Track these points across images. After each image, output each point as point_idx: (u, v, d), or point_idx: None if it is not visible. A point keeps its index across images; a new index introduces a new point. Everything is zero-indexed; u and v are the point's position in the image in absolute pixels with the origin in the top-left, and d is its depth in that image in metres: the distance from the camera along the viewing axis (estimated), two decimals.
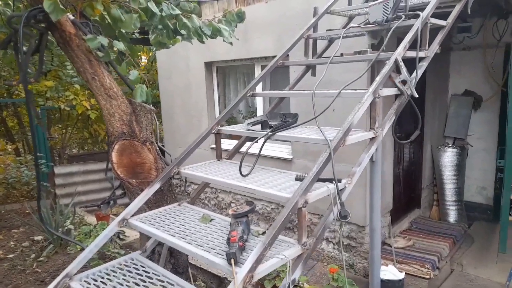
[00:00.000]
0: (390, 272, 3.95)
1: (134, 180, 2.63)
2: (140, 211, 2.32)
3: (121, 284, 1.92)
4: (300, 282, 3.67)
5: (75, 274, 1.99)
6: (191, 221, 2.19)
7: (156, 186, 2.35)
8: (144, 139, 2.69)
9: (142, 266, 2.10)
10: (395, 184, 5.09)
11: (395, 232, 5.12)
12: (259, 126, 2.47)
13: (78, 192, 6.66)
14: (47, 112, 7.29)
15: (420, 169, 5.90)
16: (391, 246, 4.55)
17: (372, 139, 2.25)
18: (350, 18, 3.55)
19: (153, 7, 2.63)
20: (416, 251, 4.68)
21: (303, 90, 2.83)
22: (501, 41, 5.25)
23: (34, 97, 6.55)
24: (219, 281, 3.90)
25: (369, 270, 3.04)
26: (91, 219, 6.07)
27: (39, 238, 5.26)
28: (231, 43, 3.28)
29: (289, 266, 1.67)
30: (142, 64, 9.46)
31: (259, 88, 5.23)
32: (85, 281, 1.98)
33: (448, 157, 5.73)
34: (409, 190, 5.67)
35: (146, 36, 3.52)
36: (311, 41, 3.27)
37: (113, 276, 2.01)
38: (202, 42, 3.14)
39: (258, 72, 5.58)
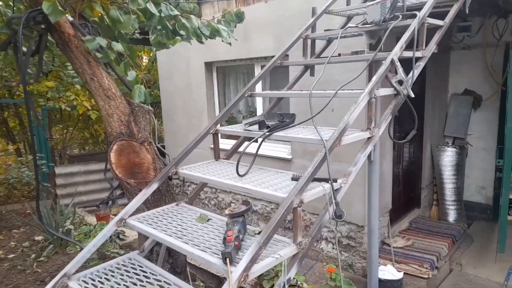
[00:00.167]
0: (388, 272, 3.96)
1: (132, 180, 2.64)
2: (138, 211, 2.33)
3: (119, 284, 1.93)
4: (299, 282, 3.68)
5: (73, 273, 2.01)
6: (189, 221, 2.20)
7: (154, 186, 2.36)
8: (142, 140, 2.71)
9: (140, 266, 2.11)
10: (394, 184, 5.08)
11: (394, 232, 5.12)
12: (256, 126, 2.48)
13: (79, 192, 6.68)
14: (48, 112, 7.30)
15: (419, 169, 5.89)
16: (390, 246, 4.56)
17: (368, 139, 2.26)
18: (349, 18, 3.55)
19: (151, 8, 2.64)
20: (415, 250, 4.68)
21: (301, 90, 2.83)
22: (501, 40, 5.24)
23: (35, 98, 6.58)
24: (218, 281, 3.91)
25: (367, 270, 3.05)
26: (91, 219, 6.09)
27: (39, 238, 5.29)
28: (229, 44, 3.29)
29: (284, 265, 1.68)
30: (143, 64, 9.48)
31: (259, 88, 5.24)
32: (83, 280, 1.99)
33: (448, 156, 5.72)
34: (409, 190, 5.66)
35: (146, 36, 3.54)
36: (309, 41, 3.27)
37: (111, 275, 2.02)
38: (201, 42, 3.16)
39: (258, 71, 5.58)
